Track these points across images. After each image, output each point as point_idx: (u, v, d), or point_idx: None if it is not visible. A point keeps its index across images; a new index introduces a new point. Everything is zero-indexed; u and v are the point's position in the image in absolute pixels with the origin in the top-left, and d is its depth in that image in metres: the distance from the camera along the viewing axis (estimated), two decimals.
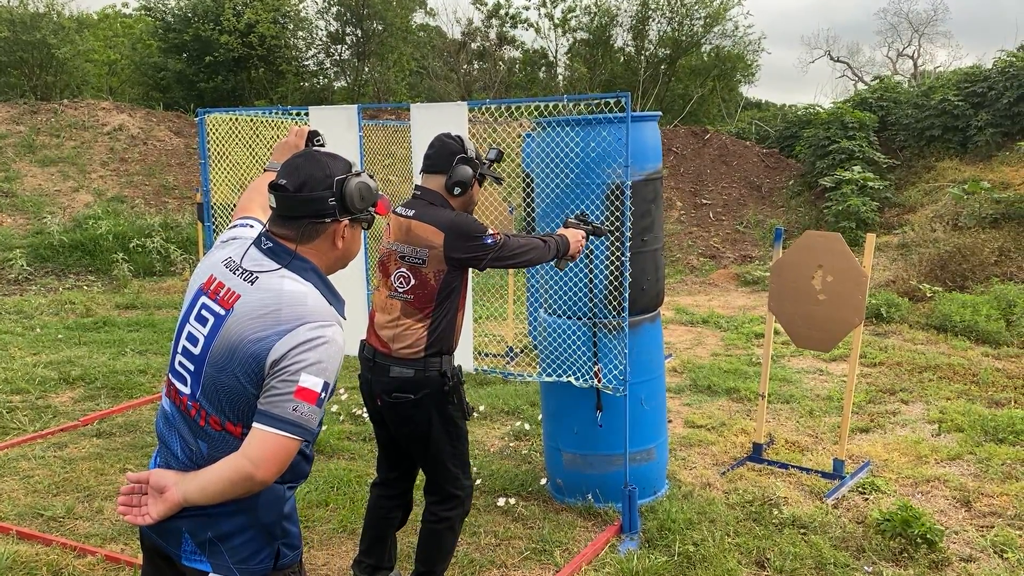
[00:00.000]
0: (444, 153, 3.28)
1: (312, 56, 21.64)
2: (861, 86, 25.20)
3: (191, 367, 2.00)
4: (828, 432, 5.85)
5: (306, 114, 5.13)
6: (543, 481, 4.80)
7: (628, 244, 4.17)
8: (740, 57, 23.23)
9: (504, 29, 24.18)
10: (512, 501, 4.66)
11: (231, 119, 5.56)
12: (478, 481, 4.94)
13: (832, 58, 31.83)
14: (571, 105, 4.31)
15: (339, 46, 21.54)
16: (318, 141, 2.56)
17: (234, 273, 2.03)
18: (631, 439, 4.50)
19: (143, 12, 21.61)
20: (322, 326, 1.93)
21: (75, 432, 5.93)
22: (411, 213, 3.22)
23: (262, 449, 1.87)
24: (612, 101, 4.24)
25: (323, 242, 2.08)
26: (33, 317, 9.98)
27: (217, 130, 5.49)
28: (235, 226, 2.30)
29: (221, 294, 2.01)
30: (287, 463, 1.93)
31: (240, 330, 1.93)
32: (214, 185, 5.72)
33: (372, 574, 3.63)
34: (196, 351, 1.99)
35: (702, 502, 4.64)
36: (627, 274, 4.18)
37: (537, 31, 23.10)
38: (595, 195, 4.28)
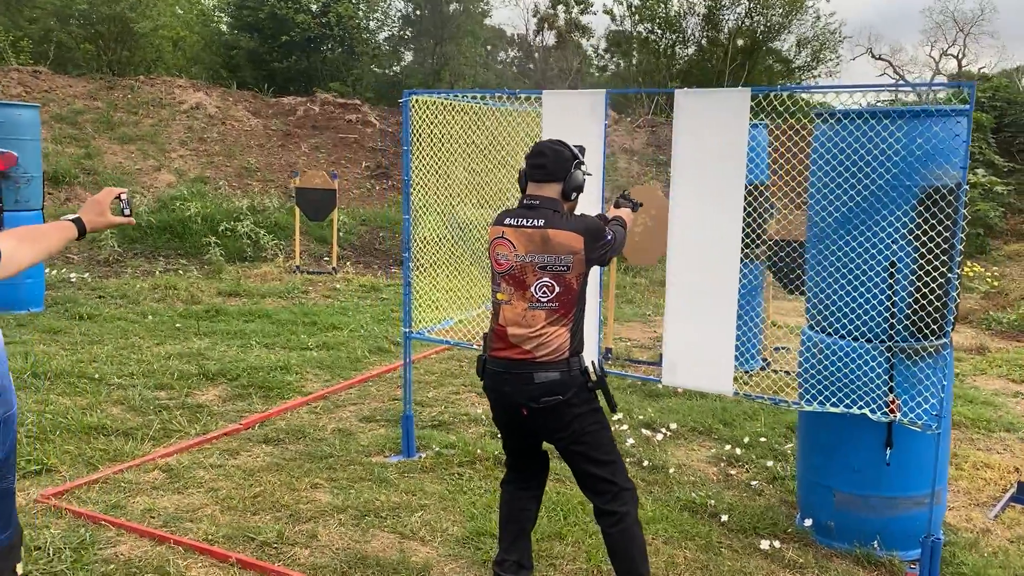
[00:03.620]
0: (560, 161, 3.31)
1: (386, 39, 21.11)
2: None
3: None
4: None
5: (537, 99, 4.58)
6: (807, 522, 4.24)
7: (959, 258, 3.60)
8: (821, 48, 22.52)
9: (573, 15, 23.57)
10: (777, 544, 4.12)
11: (437, 102, 5.03)
12: (725, 518, 4.41)
13: (874, 56, 30.90)
14: (898, 95, 3.74)
15: (412, 28, 20.99)
16: (123, 199, 2.67)
17: None
18: (919, 480, 3.96)
19: None
20: None
21: (240, 437, 5.46)
22: (541, 223, 3.22)
23: None
24: (936, 92, 3.67)
25: None
26: (139, 303, 9.56)
27: (422, 114, 4.96)
28: None
29: None
30: None
31: None
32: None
33: (517, 572, 3.52)
34: None
35: (995, 552, 4.07)
36: (955, 293, 3.62)
37: (613, 19, 22.42)
38: (904, 200, 3.71)
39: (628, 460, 5.19)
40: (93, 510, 4.29)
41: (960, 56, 31.34)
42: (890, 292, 3.81)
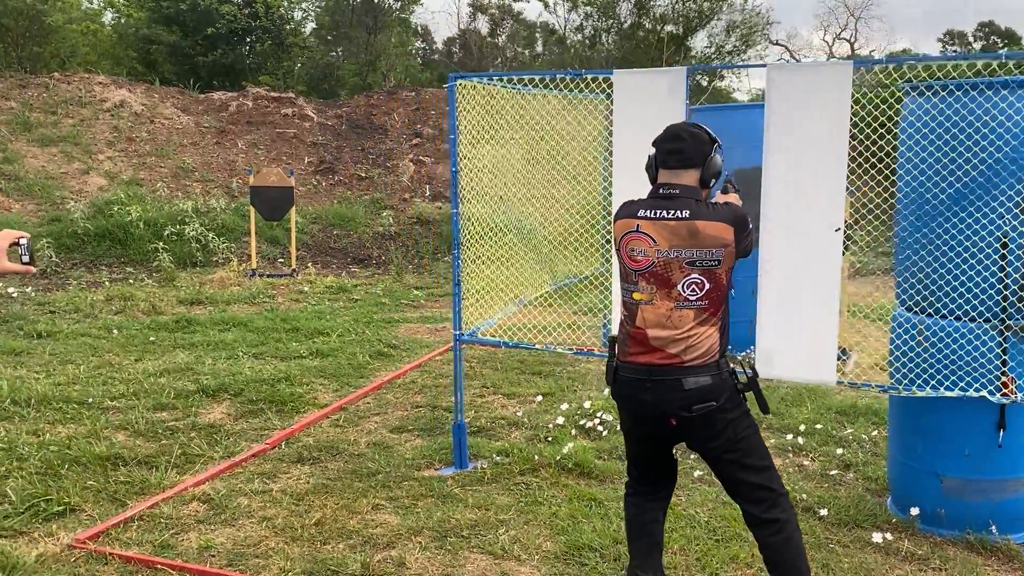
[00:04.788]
0: (698, 144, 3.05)
1: (313, 31, 20.36)
2: None
3: None
4: None
5: (604, 80, 4.28)
6: (914, 511, 4.09)
7: None
8: (750, 32, 22.90)
9: (506, 1, 23.31)
10: (888, 537, 3.96)
11: (482, 88, 4.68)
12: (823, 512, 4.23)
13: (771, 41, 31.84)
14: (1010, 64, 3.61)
15: (342, 17, 20.31)
16: (23, 243, 2.58)
17: None
18: None
19: None
20: None
21: (270, 458, 5.00)
22: (686, 214, 2.96)
23: None
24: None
25: None
26: (97, 316, 8.83)
27: (469, 100, 4.60)
28: None
29: None
30: None
31: None
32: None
33: None
34: None
35: None
36: None
37: (546, 6, 22.25)
38: (1023, 171, 3.59)
39: (692, 458, 4.98)
40: (141, 552, 3.80)
41: (852, 40, 32.56)
42: (1004, 268, 3.69)
